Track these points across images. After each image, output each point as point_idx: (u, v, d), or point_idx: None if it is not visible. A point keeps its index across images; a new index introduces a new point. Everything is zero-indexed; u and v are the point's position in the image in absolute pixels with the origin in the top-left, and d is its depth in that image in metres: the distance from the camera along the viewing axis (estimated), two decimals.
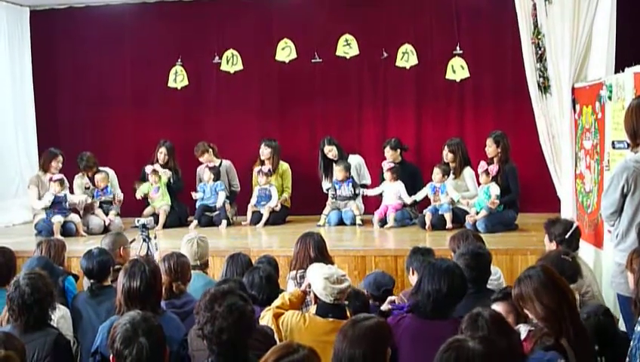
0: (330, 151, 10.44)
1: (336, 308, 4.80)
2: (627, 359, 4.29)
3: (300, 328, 4.71)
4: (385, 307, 5.50)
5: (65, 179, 9.91)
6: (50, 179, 9.75)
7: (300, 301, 5.18)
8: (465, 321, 3.88)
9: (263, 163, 10.60)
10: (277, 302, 5.05)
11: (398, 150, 10.14)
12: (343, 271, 5.06)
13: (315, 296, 4.91)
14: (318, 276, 4.85)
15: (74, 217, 9.74)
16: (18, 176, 11.16)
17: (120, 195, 10.36)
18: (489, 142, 9.24)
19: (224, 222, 10.12)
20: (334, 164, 10.23)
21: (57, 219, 9.45)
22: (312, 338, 4.34)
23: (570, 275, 5.18)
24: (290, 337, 4.62)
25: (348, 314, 4.91)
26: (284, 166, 10.76)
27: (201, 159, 10.65)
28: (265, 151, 10.56)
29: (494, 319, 3.85)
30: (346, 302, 5.00)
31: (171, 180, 10.49)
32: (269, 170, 10.40)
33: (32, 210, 10.30)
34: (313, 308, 4.94)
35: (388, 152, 10.07)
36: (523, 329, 4.29)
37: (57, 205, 9.61)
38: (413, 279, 5.70)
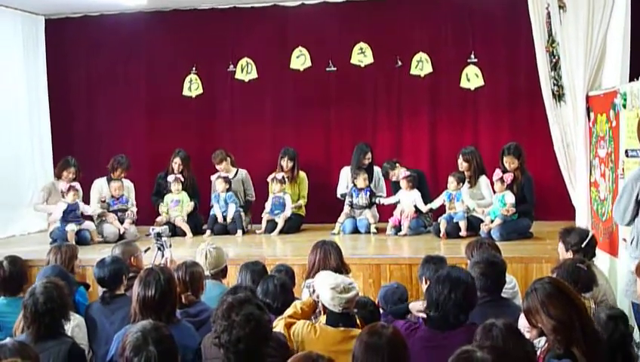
0: (369, 159, 10.43)
1: (345, 317, 4.79)
2: None
3: (311, 339, 4.69)
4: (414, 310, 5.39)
5: (79, 188, 9.92)
6: (70, 188, 9.69)
7: (311, 309, 5.15)
8: (479, 332, 3.86)
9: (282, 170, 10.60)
10: (289, 311, 5.03)
11: (397, 165, 10.12)
12: (350, 280, 5.04)
13: (324, 306, 4.90)
14: (324, 286, 4.83)
15: (88, 225, 9.76)
16: (33, 185, 11.16)
17: (134, 210, 10.34)
18: (509, 159, 9.11)
19: (239, 231, 10.14)
20: (359, 172, 10.16)
21: (71, 228, 9.46)
22: (323, 349, 4.32)
23: (585, 284, 5.17)
24: (302, 348, 4.59)
25: (358, 322, 4.90)
26: (301, 174, 10.75)
27: (218, 167, 10.60)
28: (289, 164, 10.55)
29: (508, 329, 3.83)
30: (355, 311, 4.99)
31: (192, 208, 10.48)
32: (283, 178, 10.38)
33: (34, 207, 10.36)
34: (323, 318, 4.92)
35: (394, 175, 10.06)
36: (543, 341, 4.27)
37: (71, 213, 9.61)
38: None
